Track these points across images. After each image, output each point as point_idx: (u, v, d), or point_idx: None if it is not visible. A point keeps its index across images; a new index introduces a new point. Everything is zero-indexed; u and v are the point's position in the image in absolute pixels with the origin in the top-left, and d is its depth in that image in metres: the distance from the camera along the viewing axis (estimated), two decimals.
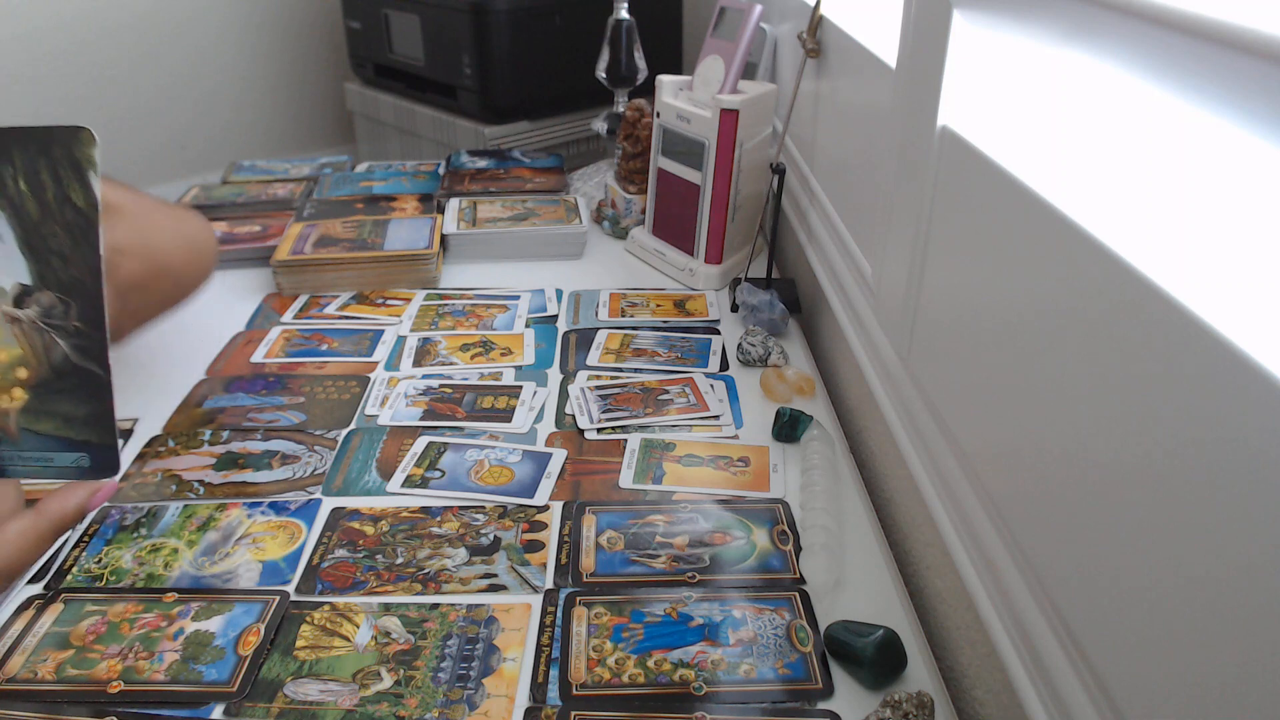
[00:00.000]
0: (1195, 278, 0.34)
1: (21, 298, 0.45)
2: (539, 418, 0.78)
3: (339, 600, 0.59)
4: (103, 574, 0.61)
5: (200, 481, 0.70)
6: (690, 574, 0.60)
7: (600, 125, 1.23)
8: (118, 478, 0.49)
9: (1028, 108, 0.49)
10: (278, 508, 0.67)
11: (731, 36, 0.93)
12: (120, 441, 0.47)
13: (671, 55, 1.61)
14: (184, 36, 1.78)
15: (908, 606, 0.59)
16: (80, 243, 0.44)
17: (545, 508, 0.67)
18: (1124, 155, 0.40)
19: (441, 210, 1.12)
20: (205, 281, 0.67)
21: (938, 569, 0.61)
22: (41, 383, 0.45)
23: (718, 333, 0.91)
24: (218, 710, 0.51)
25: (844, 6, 0.86)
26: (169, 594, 0.59)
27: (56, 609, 0.58)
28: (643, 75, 1.21)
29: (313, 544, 0.64)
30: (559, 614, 0.57)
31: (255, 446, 0.74)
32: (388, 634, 0.56)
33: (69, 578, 0.61)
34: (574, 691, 0.52)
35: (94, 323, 0.45)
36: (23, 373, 0.46)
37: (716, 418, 0.77)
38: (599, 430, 0.76)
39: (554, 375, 0.84)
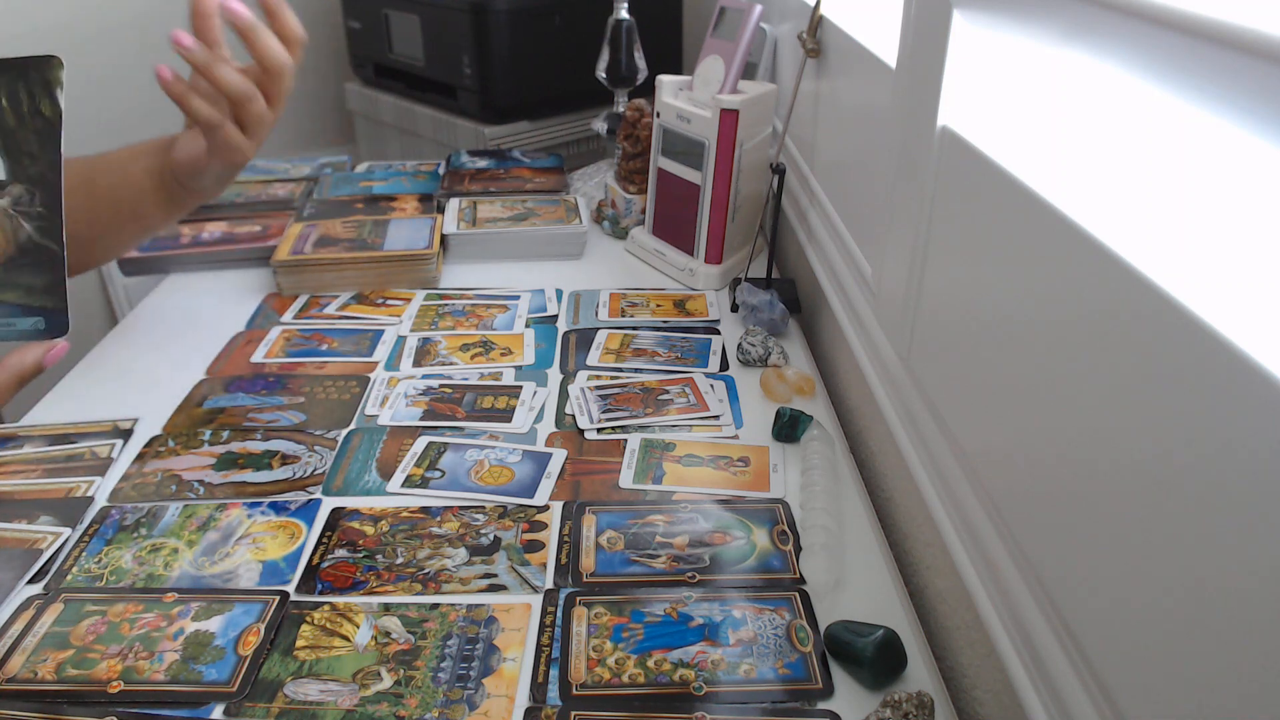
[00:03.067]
0: (1195, 278, 0.34)
1: None
2: (539, 418, 0.78)
3: (339, 600, 0.59)
4: (103, 574, 0.61)
5: (200, 481, 0.70)
6: (690, 574, 0.60)
7: (600, 125, 1.23)
8: (67, 338, 0.56)
9: (1028, 108, 0.49)
10: (278, 508, 0.67)
11: (731, 36, 0.93)
12: (69, 307, 0.55)
13: (671, 55, 1.61)
14: None
15: (908, 606, 0.59)
16: (46, 144, 0.54)
17: (545, 508, 0.67)
18: (1124, 155, 0.40)
19: (441, 210, 1.12)
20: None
21: (938, 569, 0.61)
22: (8, 259, 0.54)
23: (718, 333, 0.91)
24: (218, 710, 0.51)
25: (844, 6, 0.86)
26: (169, 594, 0.59)
27: (56, 609, 0.58)
28: (643, 75, 1.21)
29: (313, 544, 0.64)
30: (559, 614, 0.57)
31: (255, 446, 0.74)
32: (388, 634, 0.56)
33: (69, 578, 0.61)
34: (574, 691, 0.52)
35: (53, 208, 0.54)
36: None
37: (716, 418, 0.77)
38: (599, 430, 0.76)
39: (554, 375, 0.84)
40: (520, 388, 0.82)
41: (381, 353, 0.88)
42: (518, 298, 0.98)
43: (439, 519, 0.66)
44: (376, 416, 0.78)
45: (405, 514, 0.66)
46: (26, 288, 0.54)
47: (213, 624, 0.57)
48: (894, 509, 0.70)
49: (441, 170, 1.27)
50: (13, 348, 0.51)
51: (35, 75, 0.54)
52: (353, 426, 0.77)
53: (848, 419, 0.82)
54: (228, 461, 0.72)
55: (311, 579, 0.61)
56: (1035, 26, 0.47)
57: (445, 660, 0.54)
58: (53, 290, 0.54)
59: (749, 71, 1.10)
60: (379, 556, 0.62)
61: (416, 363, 0.86)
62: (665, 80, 0.98)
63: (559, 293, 0.99)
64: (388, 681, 0.53)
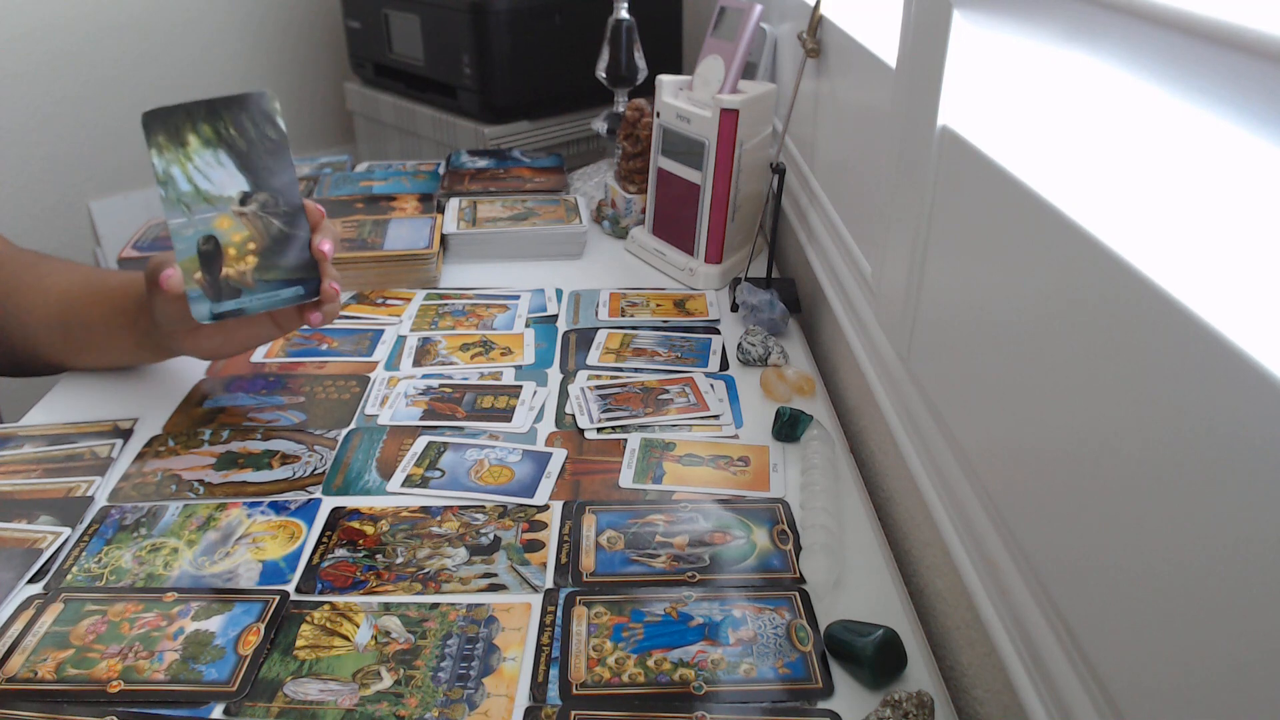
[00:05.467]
0: (1195, 277, 0.34)
1: (245, 199, 0.68)
2: (539, 417, 0.78)
3: (339, 600, 0.59)
4: (103, 574, 0.61)
5: (200, 481, 0.70)
6: (690, 573, 0.60)
7: (600, 125, 1.23)
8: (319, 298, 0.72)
9: (1028, 108, 0.50)
10: (278, 507, 0.67)
11: (731, 36, 0.93)
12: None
13: (671, 55, 1.61)
14: (184, 36, 1.78)
15: (908, 606, 0.59)
16: (279, 158, 0.68)
17: (545, 507, 0.67)
18: (1124, 155, 0.40)
19: (441, 210, 1.12)
20: None
21: (938, 569, 0.61)
22: (266, 249, 0.69)
23: (718, 332, 0.91)
24: (218, 710, 0.51)
25: (844, 6, 0.86)
26: (169, 594, 0.59)
27: (56, 609, 0.58)
28: (643, 75, 1.21)
29: (313, 544, 0.64)
30: (559, 613, 0.57)
31: (255, 446, 0.74)
32: (388, 633, 0.56)
33: (69, 578, 0.61)
34: (574, 691, 0.52)
35: (294, 205, 0.69)
36: (252, 245, 0.68)
37: (716, 417, 0.77)
38: (599, 430, 0.76)
39: (554, 375, 0.84)
40: (520, 387, 0.82)
41: (381, 352, 0.88)
42: (518, 298, 0.98)
43: (439, 519, 0.66)
44: (376, 416, 0.78)
45: (405, 514, 0.66)
46: (284, 267, 0.70)
47: (213, 624, 0.57)
48: (894, 509, 0.70)
49: (441, 170, 1.27)
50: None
51: (254, 106, 0.67)
52: (353, 426, 0.77)
53: (848, 419, 0.82)
54: (228, 461, 0.72)
55: (311, 579, 0.61)
56: (1035, 26, 0.47)
57: (445, 660, 0.54)
58: (304, 266, 0.70)
59: (749, 71, 1.10)
60: (379, 556, 0.62)
61: (416, 362, 0.86)
62: (665, 80, 0.98)
63: (559, 292, 0.99)
64: (388, 681, 0.53)
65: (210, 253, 0.67)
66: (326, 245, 0.70)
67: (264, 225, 0.68)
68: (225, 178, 0.67)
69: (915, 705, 0.49)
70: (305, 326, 0.74)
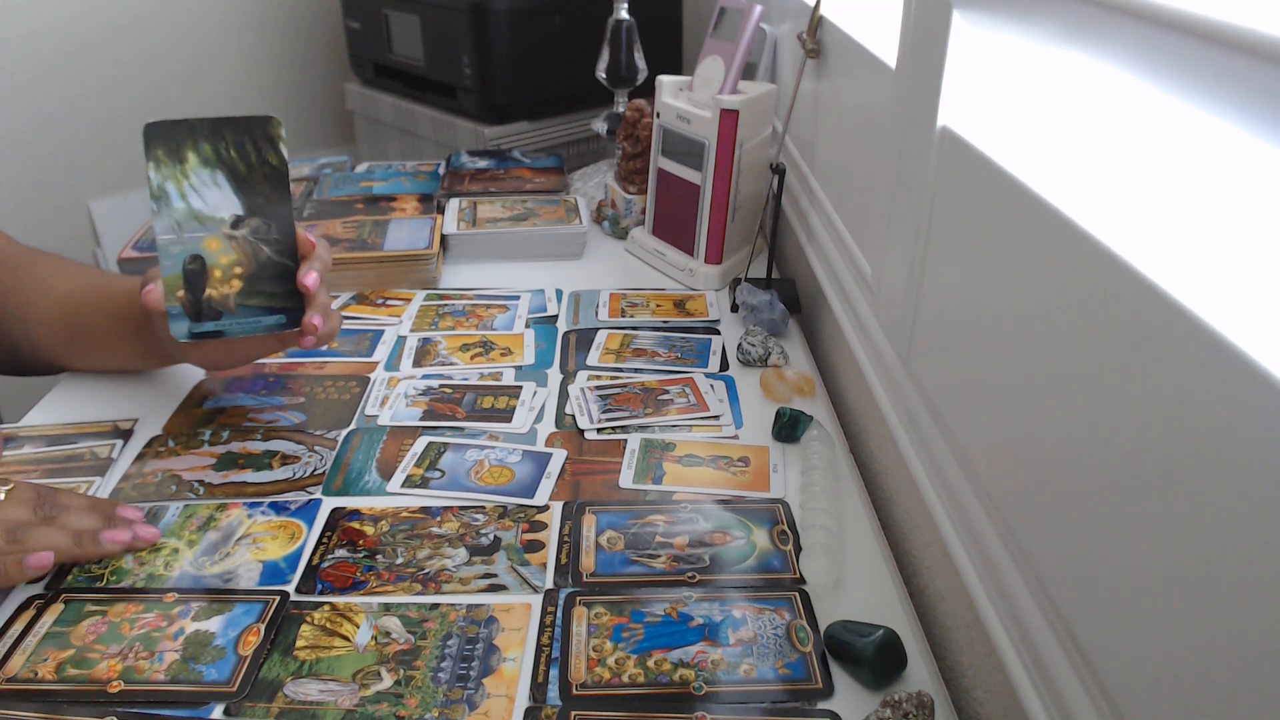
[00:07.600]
0: (1195, 277, 0.34)
1: (237, 222, 0.67)
2: (539, 418, 0.78)
3: (339, 600, 0.59)
4: (103, 574, 0.61)
5: (200, 481, 0.70)
6: (690, 574, 0.60)
7: (600, 125, 1.23)
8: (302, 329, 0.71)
9: (1028, 108, 0.50)
10: (278, 508, 0.67)
11: (731, 37, 0.93)
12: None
13: (671, 55, 1.61)
14: (184, 37, 1.78)
15: (908, 606, 0.59)
16: (277, 187, 0.68)
17: (545, 508, 0.67)
18: (1124, 155, 0.40)
19: (441, 210, 1.12)
20: None
21: (938, 569, 0.61)
22: (252, 275, 0.69)
23: (718, 333, 0.91)
24: (218, 710, 0.51)
25: (844, 6, 0.86)
26: (169, 594, 0.59)
27: (57, 609, 0.58)
28: (643, 75, 1.21)
29: (313, 544, 0.64)
30: (559, 614, 0.57)
31: (255, 446, 0.74)
32: (388, 634, 0.56)
33: (69, 578, 0.61)
34: (574, 691, 0.52)
35: (286, 234, 0.69)
36: (239, 269, 0.68)
37: (716, 418, 0.77)
38: (599, 430, 0.76)
39: (554, 375, 0.84)
40: (520, 388, 0.82)
41: (381, 353, 0.88)
42: (518, 298, 0.98)
43: (439, 519, 0.66)
44: (376, 416, 0.78)
45: (405, 514, 0.66)
46: (268, 294, 0.69)
47: (213, 624, 0.57)
48: (894, 509, 0.70)
49: (441, 170, 1.27)
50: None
51: (258, 131, 0.67)
52: (353, 426, 0.77)
53: (848, 419, 0.82)
54: (228, 461, 0.72)
55: (311, 579, 0.61)
56: (1035, 26, 0.47)
57: (445, 660, 0.54)
58: (289, 295, 0.70)
59: (749, 71, 1.10)
60: (379, 556, 0.62)
61: (416, 363, 0.86)
62: (665, 80, 0.98)
63: (559, 293, 0.99)
64: (388, 681, 0.53)
65: (195, 272, 0.67)
66: (311, 278, 0.69)
67: (253, 251, 0.68)
68: (220, 199, 0.67)
69: (915, 705, 0.49)
70: (297, 348, 0.74)
